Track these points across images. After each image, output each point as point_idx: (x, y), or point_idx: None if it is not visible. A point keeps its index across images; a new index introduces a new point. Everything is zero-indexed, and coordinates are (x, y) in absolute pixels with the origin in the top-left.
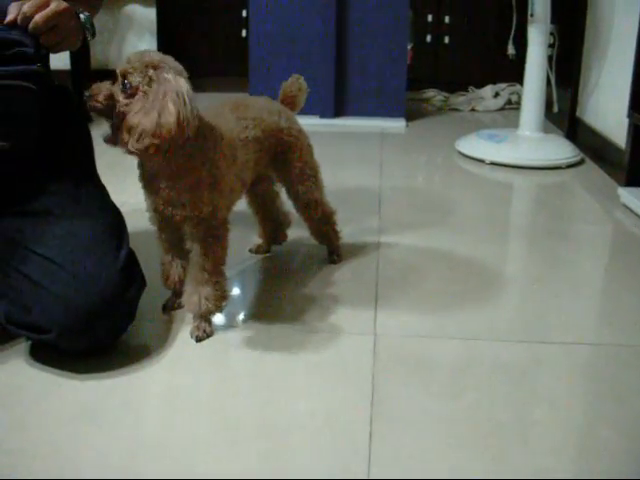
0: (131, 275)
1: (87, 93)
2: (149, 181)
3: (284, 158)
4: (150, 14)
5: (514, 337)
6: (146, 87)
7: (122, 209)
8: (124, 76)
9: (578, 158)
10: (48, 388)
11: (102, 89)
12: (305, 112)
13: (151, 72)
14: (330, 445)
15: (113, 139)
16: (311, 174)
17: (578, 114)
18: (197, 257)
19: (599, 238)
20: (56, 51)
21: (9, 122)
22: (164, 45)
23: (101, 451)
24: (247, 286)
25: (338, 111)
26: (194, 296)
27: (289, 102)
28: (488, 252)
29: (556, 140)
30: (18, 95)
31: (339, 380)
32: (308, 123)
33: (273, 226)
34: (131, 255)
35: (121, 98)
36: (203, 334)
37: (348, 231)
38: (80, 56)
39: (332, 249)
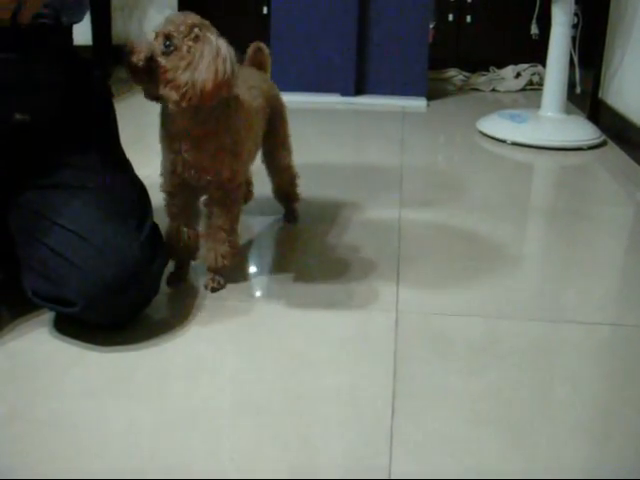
0: (155, 249)
1: (126, 49)
2: (172, 141)
3: (273, 124)
4: None
5: (535, 316)
6: (191, 43)
7: (145, 182)
8: (167, 37)
9: (600, 140)
10: (73, 360)
11: (143, 47)
12: (326, 90)
13: (196, 31)
14: (353, 420)
15: (152, 95)
16: (288, 141)
17: (601, 95)
18: (215, 219)
19: (620, 220)
20: None
21: (29, 94)
22: None
23: (126, 423)
24: (268, 262)
25: (359, 89)
26: (212, 253)
27: (261, 69)
28: (509, 231)
29: (578, 121)
30: (37, 67)
31: (362, 356)
32: (328, 101)
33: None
34: (155, 229)
35: (161, 59)
36: (218, 285)
37: (369, 207)
38: (101, 32)
39: (290, 209)
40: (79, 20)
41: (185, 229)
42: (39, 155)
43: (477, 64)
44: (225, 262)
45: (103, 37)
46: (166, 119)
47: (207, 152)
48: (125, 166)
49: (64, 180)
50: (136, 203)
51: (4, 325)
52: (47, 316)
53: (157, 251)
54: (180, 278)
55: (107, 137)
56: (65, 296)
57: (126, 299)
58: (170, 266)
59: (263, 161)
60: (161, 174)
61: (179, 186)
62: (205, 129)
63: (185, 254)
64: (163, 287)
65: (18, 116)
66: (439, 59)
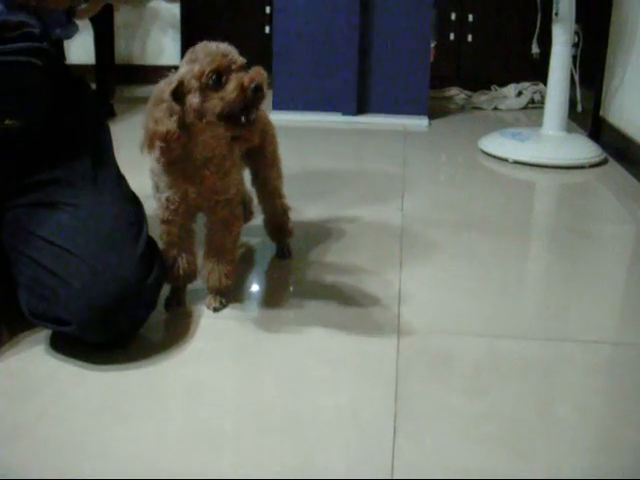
0: (150, 264)
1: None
2: (195, 169)
3: (259, 144)
4: (174, 9)
5: (537, 335)
6: None
7: (146, 204)
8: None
9: (601, 158)
10: (73, 379)
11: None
12: (327, 109)
13: None
14: (355, 439)
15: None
16: (277, 162)
17: (602, 114)
18: (219, 239)
19: (622, 238)
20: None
21: (17, 99)
22: (187, 41)
23: (127, 443)
24: (269, 281)
25: (360, 108)
26: (215, 273)
27: None
28: (511, 250)
29: (579, 139)
30: (24, 72)
31: (363, 375)
32: (330, 120)
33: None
34: (150, 244)
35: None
36: (221, 304)
37: (371, 227)
38: (104, 51)
39: (283, 244)
40: (67, 36)
41: (184, 255)
42: (29, 169)
43: (479, 83)
44: (228, 282)
45: (106, 56)
46: (192, 148)
47: (221, 172)
48: (119, 182)
49: (54, 197)
50: (130, 218)
51: (3, 343)
52: (45, 334)
53: (153, 266)
54: (178, 302)
55: (99, 153)
56: (60, 315)
57: (122, 317)
58: (167, 289)
59: (253, 184)
60: (159, 206)
61: (181, 214)
62: (223, 150)
63: (184, 280)
64: (160, 305)
65: (8, 122)
66: (441, 78)
